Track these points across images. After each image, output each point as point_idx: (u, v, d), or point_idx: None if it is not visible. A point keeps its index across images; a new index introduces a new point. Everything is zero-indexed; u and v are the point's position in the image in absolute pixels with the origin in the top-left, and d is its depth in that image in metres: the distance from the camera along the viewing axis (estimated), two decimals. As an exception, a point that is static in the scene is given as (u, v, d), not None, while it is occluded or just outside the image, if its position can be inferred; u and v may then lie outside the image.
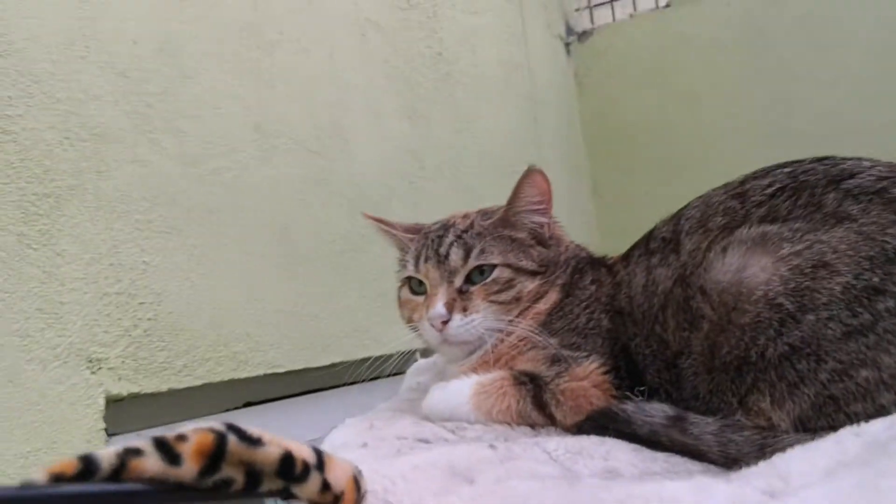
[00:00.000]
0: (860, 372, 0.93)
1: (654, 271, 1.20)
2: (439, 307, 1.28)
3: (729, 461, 0.96)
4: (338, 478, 0.74)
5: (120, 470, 0.62)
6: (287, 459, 0.70)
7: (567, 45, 3.65)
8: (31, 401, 1.50)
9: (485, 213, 1.40)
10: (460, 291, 1.31)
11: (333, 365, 2.12)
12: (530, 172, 1.31)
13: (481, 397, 1.18)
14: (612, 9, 3.67)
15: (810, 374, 0.95)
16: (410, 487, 0.86)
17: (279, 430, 0.73)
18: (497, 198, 1.46)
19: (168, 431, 0.67)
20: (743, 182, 1.17)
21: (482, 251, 1.31)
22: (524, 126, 3.26)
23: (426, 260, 1.34)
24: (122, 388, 1.65)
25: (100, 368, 1.61)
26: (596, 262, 1.38)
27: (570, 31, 3.68)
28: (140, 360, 1.69)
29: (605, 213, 3.55)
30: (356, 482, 0.77)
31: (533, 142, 3.28)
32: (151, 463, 0.63)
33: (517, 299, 1.30)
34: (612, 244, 1.51)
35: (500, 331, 1.29)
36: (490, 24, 3.14)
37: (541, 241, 1.36)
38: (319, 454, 0.73)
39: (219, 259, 1.89)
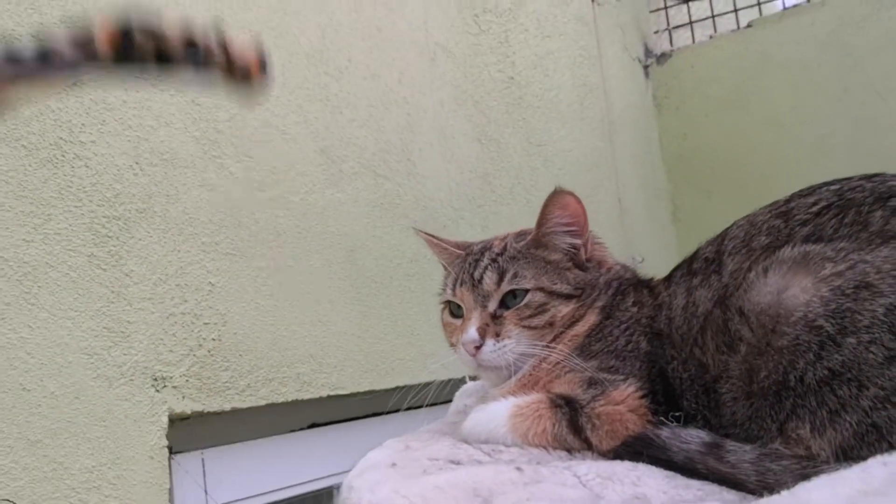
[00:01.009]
0: (904, 400, 0.88)
1: (695, 292, 1.16)
2: (471, 332, 1.27)
3: (767, 491, 0.92)
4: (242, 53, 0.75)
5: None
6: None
7: (645, 67, 3.61)
8: (97, 417, 1.55)
9: (519, 235, 1.38)
10: (494, 316, 1.29)
11: (398, 388, 2.11)
12: (557, 193, 1.28)
13: (518, 420, 1.15)
14: (692, 30, 3.61)
15: (852, 401, 0.91)
16: (428, 508, 0.85)
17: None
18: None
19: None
20: (788, 200, 1.13)
21: (515, 275, 1.28)
22: (600, 149, 3.22)
23: (461, 284, 1.33)
24: (186, 407, 1.69)
25: (164, 387, 1.66)
26: (639, 284, 1.34)
27: (648, 53, 3.63)
28: (204, 379, 1.73)
29: (685, 239, 3.45)
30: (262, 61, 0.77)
31: (609, 165, 3.24)
32: None
33: (550, 324, 1.27)
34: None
35: (534, 356, 1.26)
36: (563, 47, 3.12)
37: (578, 263, 1.33)
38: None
39: (283, 281, 1.93)
